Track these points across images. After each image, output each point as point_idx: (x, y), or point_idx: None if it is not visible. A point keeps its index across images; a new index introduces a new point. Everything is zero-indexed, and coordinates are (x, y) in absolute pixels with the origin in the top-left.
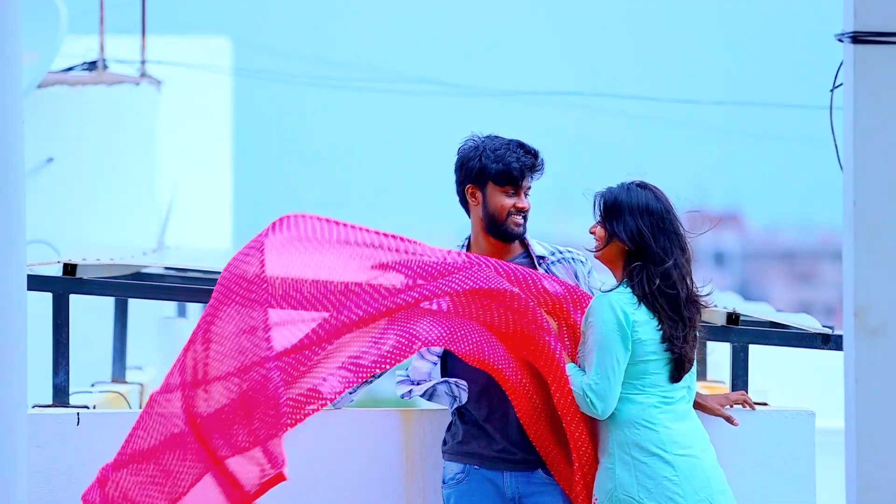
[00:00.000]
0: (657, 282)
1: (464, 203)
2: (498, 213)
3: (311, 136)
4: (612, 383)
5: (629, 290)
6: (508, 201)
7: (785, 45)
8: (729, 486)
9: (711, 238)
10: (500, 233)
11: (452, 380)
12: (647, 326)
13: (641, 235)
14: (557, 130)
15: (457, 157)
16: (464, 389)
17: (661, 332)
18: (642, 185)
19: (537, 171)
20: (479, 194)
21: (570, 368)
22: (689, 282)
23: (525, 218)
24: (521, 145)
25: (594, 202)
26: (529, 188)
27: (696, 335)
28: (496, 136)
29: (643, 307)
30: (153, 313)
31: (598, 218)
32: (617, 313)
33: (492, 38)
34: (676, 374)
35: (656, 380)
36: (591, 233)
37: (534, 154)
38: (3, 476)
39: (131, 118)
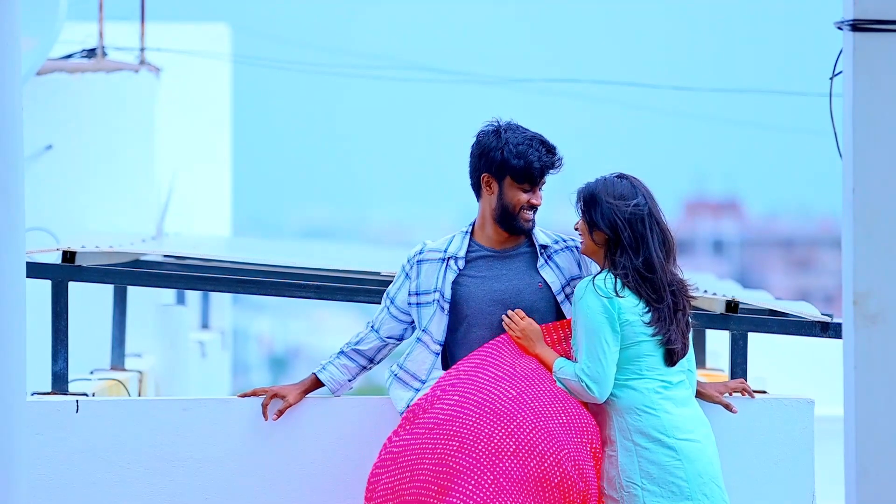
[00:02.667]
0: (638, 267)
1: (476, 188)
2: (512, 206)
3: (311, 122)
4: (604, 365)
5: (611, 275)
6: (524, 197)
7: (784, 32)
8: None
9: (710, 225)
10: (510, 226)
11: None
12: (632, 309)
13: (617, 222)
14: (555, 118)
15: (476, 141)
16: None
17: (648, 315)
18: (620, 176)
19: (556, 168)
20: (494, 185)
21: (560, 362)
22: (670, 267)
23: (535, 212)
24: (542, 142)
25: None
26: (544, 184)
27: (688, 321)
28: (517, 127)
29: (627, 290)
30: (152, 300)
31: (580, 213)
32: (600, 296)
33: (489, 26)
34: (668, 359)
35: (652, 363)
36: (576, 229)
37: (554, 152)
38: (2, 463)
39: (130, 105)
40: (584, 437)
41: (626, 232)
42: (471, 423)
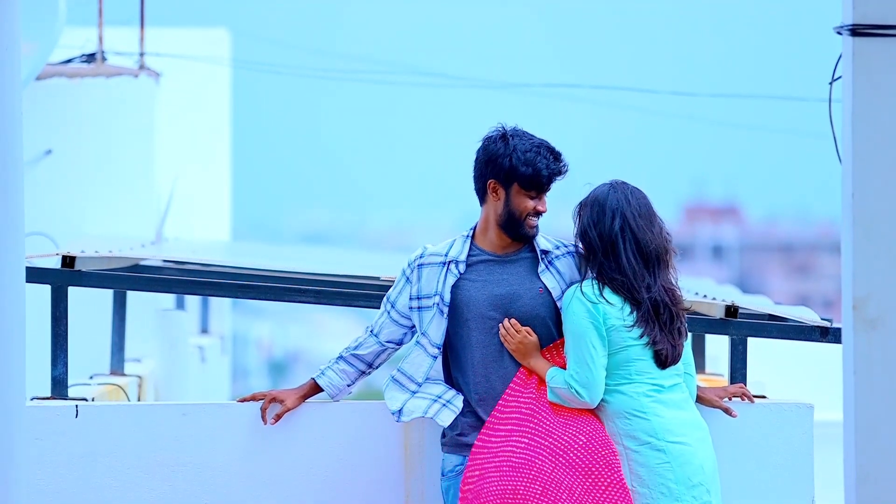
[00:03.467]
0: (612, 274)
1: (481, 193)
2: (518, 213)
3: (310, 127)
4: (591, 369)
5: (597, 281)
6: (531, 203)
7: (784, 37)
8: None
9: (710, 230)
10: (515, 232)
11: (443, 399)
12: (616, 314)
13: (588, 231)
14: (555, 123)
15: (482, 147)
16: (456, 405)
17: (632, 318)
18: (611, 184)
19: (562, 175)
20: (501, 191)
21: (552, 371)
22: (653, 272)
23: (540, 218)
24: (549, 149)
25: None
26: (549, 190)
27: (679, 328)
28: (524, 133)
29: (612, 296)
30: (152, 305)
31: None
32: (584, 302)
33: (491, 30)
34: (658, 362)
35: (642, 367)
36: None
37: (560, 159)
38: (1, 468)
39: (130, 110)
40: (610, 447)
41: (596, 240)
42: (493, 485)
